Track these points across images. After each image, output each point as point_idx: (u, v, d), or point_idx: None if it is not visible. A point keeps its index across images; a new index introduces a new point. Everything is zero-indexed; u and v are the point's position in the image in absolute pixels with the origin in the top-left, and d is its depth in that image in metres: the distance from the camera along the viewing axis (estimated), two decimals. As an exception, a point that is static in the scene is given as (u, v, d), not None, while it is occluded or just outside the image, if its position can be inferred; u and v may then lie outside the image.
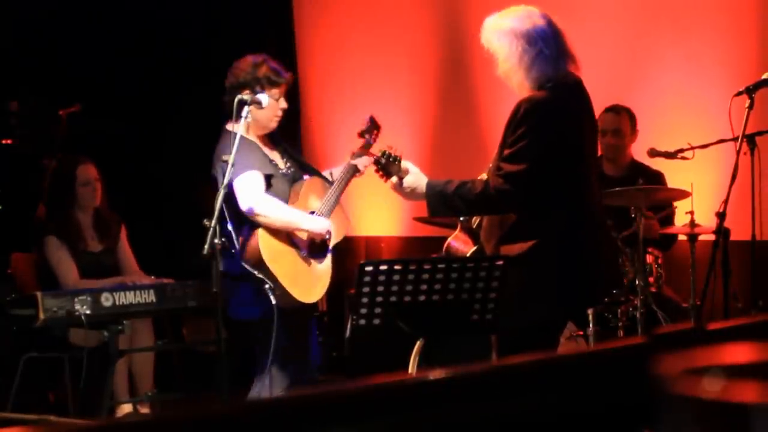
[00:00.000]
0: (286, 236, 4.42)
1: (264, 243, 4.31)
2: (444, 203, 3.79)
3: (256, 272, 4.29)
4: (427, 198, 3.83)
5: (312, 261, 4.50)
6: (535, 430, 1.36)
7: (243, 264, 4.32)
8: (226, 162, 4.18)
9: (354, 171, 4.60)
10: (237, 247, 4.33)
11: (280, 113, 4.55)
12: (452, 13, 7.13)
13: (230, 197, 4.30)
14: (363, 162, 4.61)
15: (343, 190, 4.60)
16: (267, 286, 4.27)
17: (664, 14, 6.33)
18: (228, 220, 4.31)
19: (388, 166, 3.93)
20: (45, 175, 5.77)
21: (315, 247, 4.52)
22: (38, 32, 7.33)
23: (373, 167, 4.00)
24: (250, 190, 4.32)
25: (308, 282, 4.47)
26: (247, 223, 4.36)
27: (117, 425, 1.22)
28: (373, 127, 4.75)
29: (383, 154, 3.94)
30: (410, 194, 3.90)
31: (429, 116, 7.30)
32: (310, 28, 7.85)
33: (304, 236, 4.49)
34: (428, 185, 3.84)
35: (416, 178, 3.87)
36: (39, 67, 7.34)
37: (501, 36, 3.74)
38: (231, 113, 4.31)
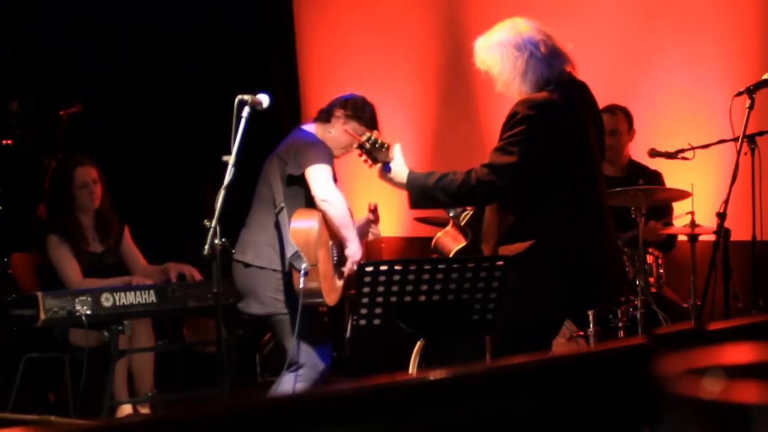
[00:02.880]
0: (329, 238, 4.66)
1: (321, 229, 4.56)
2: (425, 195, 3.77)
3: (300, 252, 4.49)
4: (408, 189, 3.81)
5: (336, 272, 4.73)
6: (534, 430, 1.36)
7: (290, 242, 4.51)
8: (303, 152, 4.54)
9: (368, 232, 4.97)
10: (286, 231, 4.54)
11: (348, 151, 4.80)
12: (452, 12, 7.13)
13: (294, 183, 4.57)
14: (375, 231, 5.00)
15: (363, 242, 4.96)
16: (304, 266, 4.46)
17: (664, 14, 6.33)
18: (278, 201, 4.57)
19: (373, 152, 3.92)
20: (45, 175, 5.76)
21: (338, 263, 4.77)
22: (38, 32, 7.33)
23: (357, 151, 4.00)
24: (327, 179, 4.58)
25: (333, 286, 4.68)
26: (301, 209, 4.61)
27: (117, 425, 1.22)
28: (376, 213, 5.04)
29: (368, 139, 3.92)
30: (391, 182, 3.89)
31: (429, 115, 7.30)
32: (310, 27, 7.85)
33: (333, 249, 4.74)
34: (409, 177, 3.81)
35: (398, 167, 3.86)
36: (39, 67, 7.34)
37: (491, 51, 3.78)
38: (322, 119, 4.80)
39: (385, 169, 3.88)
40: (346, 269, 4.72)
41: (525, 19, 3.83)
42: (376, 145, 3.90)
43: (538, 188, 3.69)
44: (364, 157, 3.96)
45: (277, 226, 4.60)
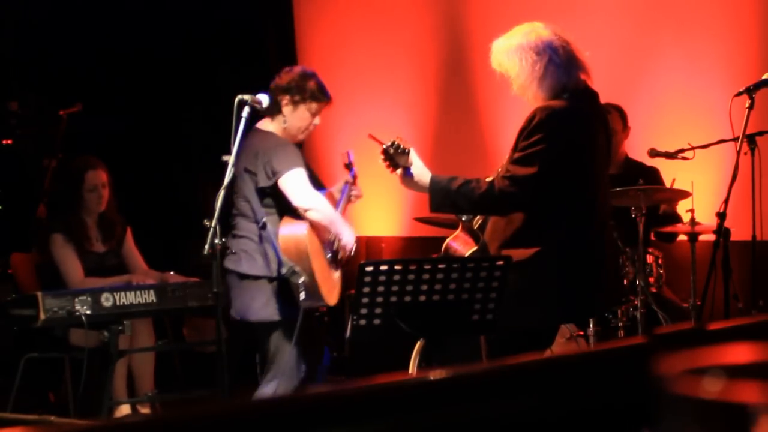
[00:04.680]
0: (319, 238, 4.56)
1: (310, 237, 4.46)
2: (447, 200, 3.78)
3: (295, 265, 4.39)
4: (430, 193, 3.81)
5: (331, 267, 4.66)
6: (535, 430, 1.36)
7: (282, 256, 4.40)
8: (268, 161, 4.38)
9: (349, 197, 4.86)
10: (276, 243, 4.43)
11: (311, 128, 4.67)
12: (452, 12, 7.13)
13: (269, 194, 4.43)
14: (356, 192, 4.88)
15: (344, 211, 4.83)
16: (302, 279, 4.38)
17: (664, 14, 6.34)
18: (259, 216, 4.44)
19: (395, 157, 3.90)
20: (45, 175, 5.76)
21: (333, 256, 4.68)
22: (38, 32, 7.33)
23: (381, 156, 3.97)
24: (303, 185, 4.46)
25: (331, 285, 4.63)
26: (285, 218, 4.48)
27: (117, 425, 1.22)
28: (352, 162, 4.90)
29: (392, 144, 3.90)
30: (414, 186, 3.90)
31: (429, 115, 7.30)
32: (310, 27, 7.85)
33: (325, 249, 4.64)
34: (432, 180, 3.82)
35: (420, 171, 3.86)
36: (39, 67, 7.34)
37: (510, 54, 3.76)
38: (272, 112, 4.53)
39: (406, 173, 3.88)
40: (344, 256, 4.67)
41: (544, 24, 3.81)
42: (399, 150, 3.89)
43: (548, 196, 3.70)
44: (386, 162, 3.93)
45: (265, 239, 4.47)
